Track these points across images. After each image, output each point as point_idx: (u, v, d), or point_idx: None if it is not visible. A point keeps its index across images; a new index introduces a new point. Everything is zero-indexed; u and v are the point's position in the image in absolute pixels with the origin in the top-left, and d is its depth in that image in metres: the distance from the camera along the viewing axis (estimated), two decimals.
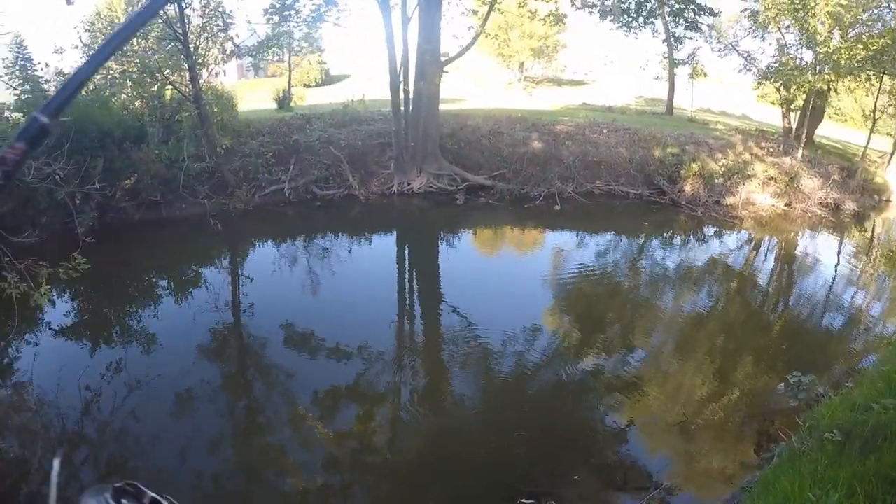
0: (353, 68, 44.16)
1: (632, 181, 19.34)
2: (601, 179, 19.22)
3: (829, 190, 20.39)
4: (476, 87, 35.10)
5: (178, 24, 15.67)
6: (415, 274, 13.90)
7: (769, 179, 19.90)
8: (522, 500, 6.17)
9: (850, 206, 20.65)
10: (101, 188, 10.97)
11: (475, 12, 21.83)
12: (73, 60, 17.94)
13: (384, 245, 15.94)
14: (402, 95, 18.15)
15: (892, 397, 5.30)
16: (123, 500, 0.63)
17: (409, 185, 18.37)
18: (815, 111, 24.86)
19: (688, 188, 18.96)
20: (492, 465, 6.89)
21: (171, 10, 15.71)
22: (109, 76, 17.37)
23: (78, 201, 9.17)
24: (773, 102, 30.20)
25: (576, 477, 6.67)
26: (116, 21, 18.26)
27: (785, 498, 4.08)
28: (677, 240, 16.57)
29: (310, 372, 9.06)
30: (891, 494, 3.77)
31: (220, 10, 17.33)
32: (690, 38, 29.81)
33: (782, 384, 7.28)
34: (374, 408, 8.23)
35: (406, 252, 15.42)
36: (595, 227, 16.68)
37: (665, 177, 19.20)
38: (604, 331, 10.80)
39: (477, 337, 10.15)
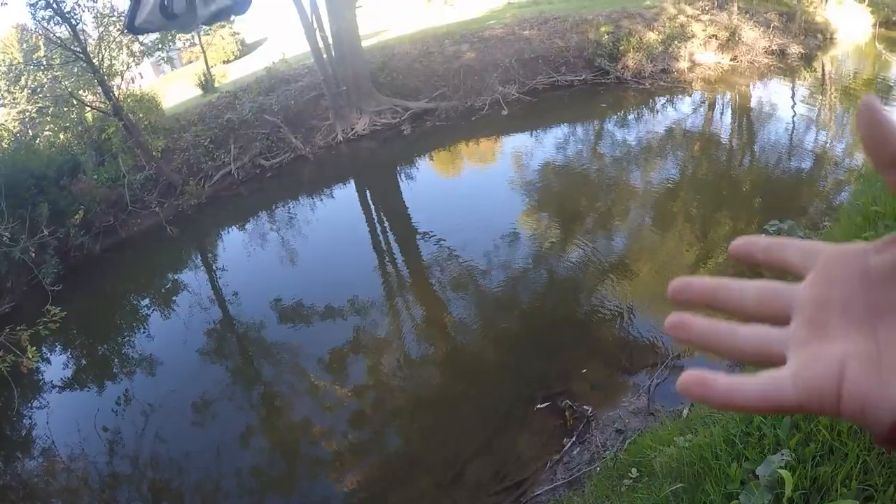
0: (268, 31, 42.76)
1: (573, 69, 18.99)
2: (542, 74, 18.84)
3: (771, 37, 20.14)
4: (395, 14, 34.08)
5: (76, 44, 15.00)
6: (383, 215, 13.72)
7: (710, 38, 19.63)
8: (539, 406, 6.23)
9: (795, 49, 20.38)
10: (53, 232, 10.64)
11: None
12: None
13: (345, 195, 15.74)
14: (321, 42, 17.58)
15: (871, 230, 5.22)
16: None
17: (352, 129, 17.93)
18: None
19: (630, 63, 18.65)
20: (504, 381, 6.96)
21: (63, 31, 15.15)
22: (27, 118, 16.84)
23: (34, 254, 8.84)
24: None
25: (584, 370, 6.71)
26: (15, 62, 17.48)
27: None
28: (631, 116, 16.44)
29: (311, 340, 9.06)
30: None
31: (114, 15, 16.62)
32: None
33: (763, 234, 7.21)
34: (381, 355, 8.30)
35: (368, 196, 15.20)
36: (547, 122, 16.45)
37: (605, 57, 18.84)
38: (581, 221, 10.80)
39: (459, 258, 10.12)
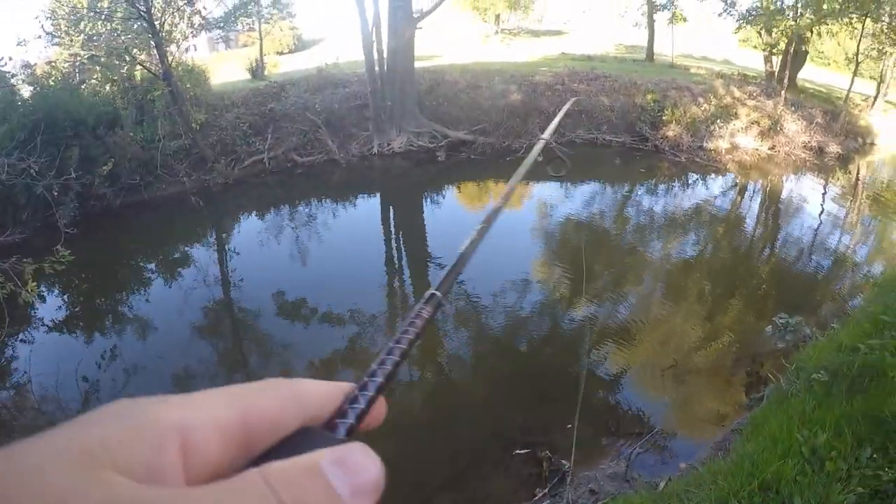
0: (326, 32, 43.37)
1: (614, 129, 19.19)
2: (582, 128, 19.05)
3: (812, 133, 20.31)
4: (452, 43, 34.51)
5: (142, 2, 15.22)
6: (401, 234, 13.85)
7: (752, 123, 19.81)
8: (518, 451, 6.26)
9: (834, 148, 20.55)
10: (79, 177, 10.82)
11: None
12: (37, 51, 17.59)
13: (369, 207, 15.86)
14: (376, 55, 17.88)
15: (878, 338, 5.33)
16: None
17: (388, 145, 18.17)
18: (797, 55, 24.58)
19: (670, 134, 18.85)
20: (488, 419, 6.98)
21: None
22: (77, 63, 17.07)
23: (56, 193, 9.04)
24: (754, 47, 29.98)
25: (569, 426, 6.72)
26: (79, 7, 17.77)
27: (773, 439, 4.14)
28: (662, 186, 16.51)
29: (304, 340, 9.09)
30: (878, 434, 3.84)
31: None
32: None
33: (770, 326, 7.32)
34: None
35: (391, 213, 15.35)
36: (579, 177, 16.52)
37: (647, 123, 19.04)
38: (592, 279, 10.80)
39: (467, 292, 10.16)
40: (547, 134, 1.71)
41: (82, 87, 17.05)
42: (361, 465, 0.39)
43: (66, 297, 11.54)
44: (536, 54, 29.51)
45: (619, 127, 19.15)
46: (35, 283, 7.48)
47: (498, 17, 38.24)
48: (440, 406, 7.57)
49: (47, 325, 10.31)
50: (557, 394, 7.51)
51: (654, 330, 8.94)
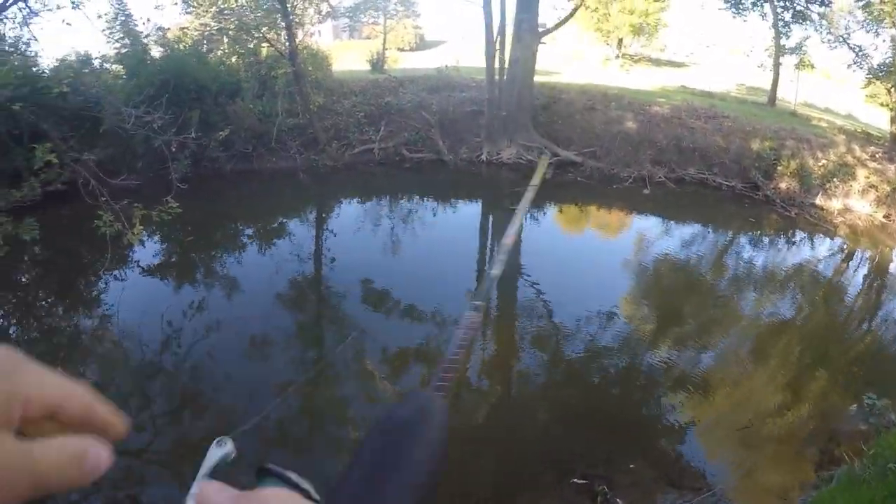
0: (448, 34, 43.97)
1: (725, 172, 18.67)
2: (694, 167, 18.63)
3: None
4: (572, 61, 34.38)
5: None
6: (496, 244, 13.87)
7: (870, 187, 18.85)
8: (575, 480, 6.26)
9: None
10: (197, 138, 11.34)
11: None
12: (173, 15, 18.52)
13: (469, 213, 16.03)
14: (497, 64, 18.05)
15: None
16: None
17: (498, 154, 18.31)
18: None
19: (783, 186, 18.20)
20: (548, 442, 6.97)
21: None
22: (207, 33, 17.85)
23: (173, 149, 9.53)
24: (882, 104, 28.50)
25: (631, 466, 6.71)
26: None
27: None
28: (766, 239, 15.93)
29: (382, 329, 9.26)
30: None
31: None
32: (800, 24, 28.40)
33: (855, 405, 7.01)
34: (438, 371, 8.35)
35: (490, 222, 15.47)
36: (683, 216, 16.26)
37: (761, 171, 18.44)
38: (679, 324, 10.64)
39: (551, 314, 10.21)
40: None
41: (209, 55, 17.80)
42: None
43: (165, 245, 12.20)
44: (655, 84, 29.08)
45: (732, 171, 18.62)
46: (141, 227, 7.86)
47: (621, 41, 37.84)
48: (503, 420, 7.65)
49: (143, 269, 11.01)
50: (623, 431, 7.49)
51: (733, 387, 8.73)
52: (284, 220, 14.11)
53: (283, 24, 16.33)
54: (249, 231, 13.61)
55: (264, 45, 18.10)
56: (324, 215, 15.05)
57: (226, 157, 15.69)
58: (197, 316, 9.39)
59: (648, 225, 15.88)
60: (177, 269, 11.40)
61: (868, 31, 25.49)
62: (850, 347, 10.76)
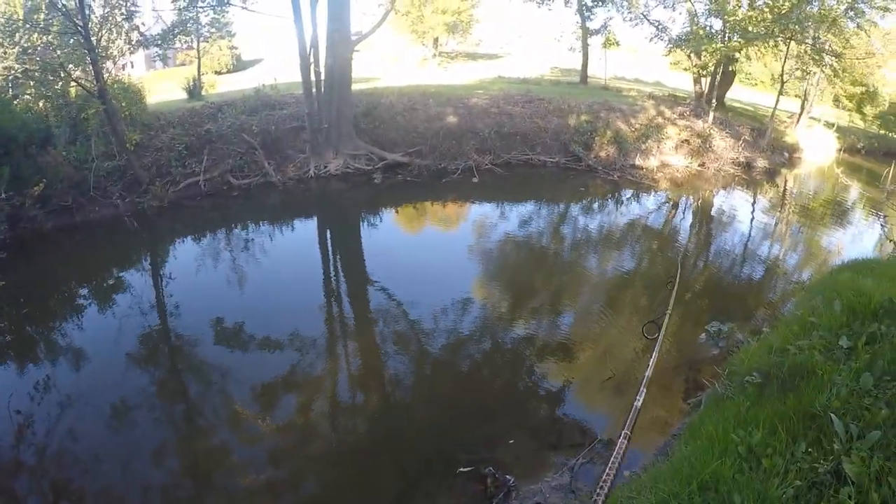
0: (264, 52, 43.24)
1: (548, 150, 19.63)
2: (517, 150, 19.43)
3: (740, 149, 21.26)
4: (391, 65, 34.80)
5: (79, 17, 14.90)
6: (339, 257, 13.83)
7: (682, 142, 20.57)
8: (462, 469, 6.27)
9: (761, 163, 21.62)
10: (9, 198, 10.51)
11: None
12: None
13: (306, 230, 15.80)
14: (313, 77, 17.95)
15: (806, 339, 5.55)
16: None
17: (325, 167, 18.18)
18: (725, 76, 25.74)
19: (603, 154, 19.41)
20: (431, 439, 7.02)
21: (70, 1, 15.15)
22: (10, 76, 16.64)
23: None
24: (685, 69, 31.09)
25: (511, 441, 6.79)
26: (14, 17, 17.33)
27: (711, 440, 4.20)
28: (596, 204, 16.90)
29: (244, 367, 8.96)
30: (811, 429, 3.94)
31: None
32: (602, 7, 30.30)
33: (703, 334, 7.64)
34: (312, 396, 8.19)
35: (328, 236, 15.28)
36: (515, 197, 16.84)
37: (580, 144, 19.55)
38: (531, 297, 10.99)
39: (406, 314, 10.22)
40: None
41: (15, 102, 16.61)
42: None
43: None
44: (473, 77, 30.01)
45: (554, 148, 19.61)
46: None
47: (436, 40, 38.77)
48: (382, 427, 7.46)
49: None
50: (498, 410, 7.60)
51: (591, 344, 9.12)
52: (119, 273, 13.31)
53: (89, 59, 15.43)
54: (84, 291, 12.74)
55: (72, 84, 17.06)
56: (159, 260, 14.32)
57: (44, 214, 14.51)
58: (47, 397, 8.62)
59: (484, 211, 16.32)
60: (14, 349, 10.44)
61: (665, 8, 27.82)
62: (690, 284, 11.49)
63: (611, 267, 12.36)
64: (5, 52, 16.53)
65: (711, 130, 21.35)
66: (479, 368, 8.54)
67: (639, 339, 8.98)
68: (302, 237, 15.25)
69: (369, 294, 11.63)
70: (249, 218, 15.91)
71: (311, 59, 17.81)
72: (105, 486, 6.76)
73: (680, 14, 27.70)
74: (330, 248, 14.42)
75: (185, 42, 32.68)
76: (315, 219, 16.44)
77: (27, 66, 16.00)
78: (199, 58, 31.05)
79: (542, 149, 19.60)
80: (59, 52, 15.87)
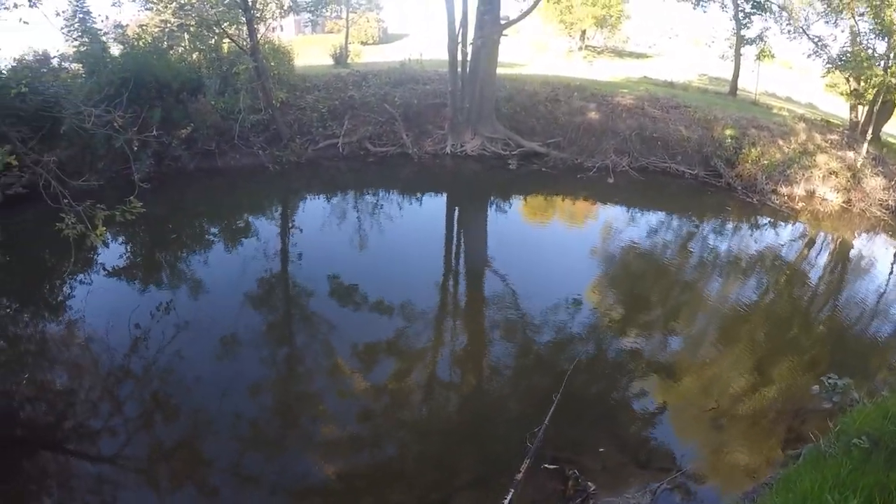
0: (411, 27, 43.89)
1: (688, 160, 18.87)
2: (657, 156, 18.81)
3: (892, 191, 19.61)
4: (536, 54, 34.49)
5: None
6: (463, 236, 13.96)
7: (830, 173, 19.17)
8: (546, 466, 6.36)
9: None
10: (158, 137, 11.18)
11: None
12: (132, 12, 18.27)
13: (434, 205, 16.01)
14: (459, 56, 18.01)
15: None
16: None
17: (462, 146, 18.31)
18: (884, 106, 23.74)
19: (745, 173, 18.43)
20: (519, 430, 6.95)
21: None
22: (167, 29, 17.58)
23: (135, 148, 9.39)
24: (841, 93, 28.96)
25: (601, 449, 6.80)
26: None
27: (804, 498, 4.18)
28: (729, 225, 16.12)
29: (351, 325, 9.25)
30: None
31: None
32: (760, 15, 28.75)
33: (817, 385, 7.16)
34: (411, 365, 8.44)
35: (455, 214, 15.52)
36: (647, 204, 16.39)
37: (723, 159, 18.67)
38: (646, 310, 10.73)
39: (518, 304, 10.28)
40: None
41: (170, 52, 17.57)
42: None
43: (129, 246, 12.01)
44: (618, 75, 29.30)
45: (694, 159, 18.82)
46: (104, 229, 7.69)
47: (584, 33, 38.04)
48: (474, 409, 7.68)
49: (108, 271, 10.81)
50: (592, 415, 7.60)
51: (699, 370, 8.84)
52: (249, 218, 13.96)
53: (244, 19, 16.13)
54: (215, 229, 13.45)
55: (225, 40, 17.91)
56: (289, 211, 14.95)
57: (189, 156, 15.52)
58: (165, 318, 9.25)
59: (614, 214, 16.01)
60: (143, 271, 11.22)
61: (827, 23, 25.93)
62: (813, 329, 10.95)
63: (733, 294, 11.86)
64: (164, 6, 17.47)
65: (863, 165, 19.75)
66: (579, 370, 8.43)
67: (749, 376, 8.61)
68: (429, 211, 15.47)
69: (486, 278, 11.78)
70: (382, 185, 16.26)
71: (459, 39, 17.80)
72: (199, 408, 7.32)
73: (842, 31, 25.70)
74: (455, 226, 14.64)
75: (335, 11, 33.52)
76: (445, 195, 16.65)
77: (183, 21, 16.85)
78: (347, 27, 31.89)
79: (682, 158, 18.88)
80: (214, 10, 16.62)
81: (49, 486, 6.27)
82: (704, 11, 29.91)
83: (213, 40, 18.17)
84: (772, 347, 9.65)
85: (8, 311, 10.08)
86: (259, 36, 17.17)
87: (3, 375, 8.07)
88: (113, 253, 11.54)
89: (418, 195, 15.82)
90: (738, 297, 11.67)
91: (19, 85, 10.24)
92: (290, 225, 14.03)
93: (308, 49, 28.56)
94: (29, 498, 6.05)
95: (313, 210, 14.98)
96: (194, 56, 18.40)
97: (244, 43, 16.83)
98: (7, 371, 8.13)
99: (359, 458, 6.61)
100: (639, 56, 39.53)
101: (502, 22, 19.09)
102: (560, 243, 14.03)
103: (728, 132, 19.38)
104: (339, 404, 7.46)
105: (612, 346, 9.31)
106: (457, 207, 15.75)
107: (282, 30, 33.92)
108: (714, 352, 9.39)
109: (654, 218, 15.82)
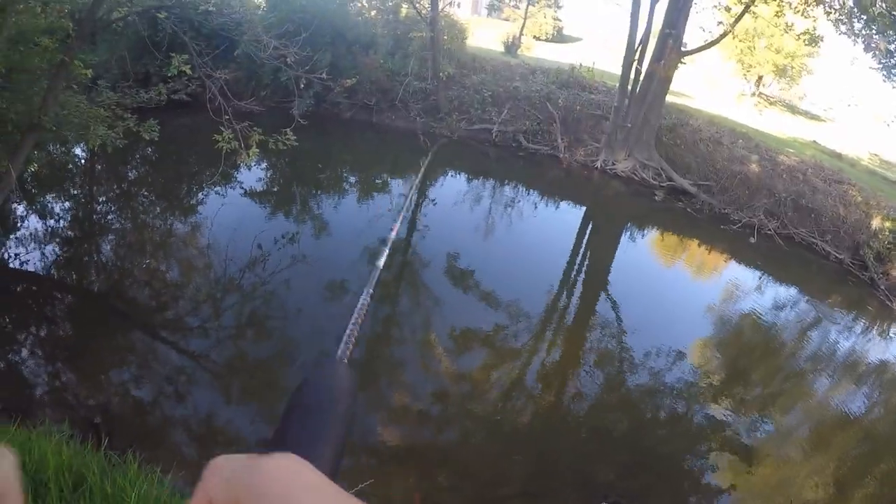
0: (586, 32, 43.35)
1: (837, 242, 17.73)
2: (807, 228, 17.82)
3: None
4: (706, 89, 33.38)
5: None
6: (589, 253, 13.78)
7: None
8: (604, 502, 6.32)
9: None
10: (325, 80, 11.66)
11: (728, 9, 20.35)
12: None
13: (570, 215, 16.00)
14: (632, 74, 17.67)
15: None
16: None
17: (613, 164, 18.10)
18: None
19: (895, 273, 17.14)
20: (586, 462, 7.02)
21: None
22: None
23: (301, 86, 9.82)
24: None
25: None
26: None
27: None
28: (860, 325, 15.00)
29: (456, 306, 9.43)
30: None
31: None
32: None
33: None
34: (499, 362, 8.59)
35: (588, 229, 15.36)
36: (781, 276, 15.55)
37: (874, 251, 17.41)
38: (745, 386, 10.35)
39: (622, 336, 10.24)
40: None
41: (350, 4, 18.16)
42: None
43: (270, 174, 12.58)
44: (787, 132, 27.97)
45: (844, 243, 17.68)
46: (257, 150, 8.09)
47: (760, 79, 36.40)
48: (546, 425, 7.69)
49: (245, 191, 11.41)
50: (660, 475, 7.41)
51: (779, 466, 8.46)
52: (388, 178, 14.34)
53: None
54: (353, 179, 13.92)
55: (405, 5, 18.32)
56: (428, 182, 15.21)
57: (347, 105, 16.11)
58: (284, 246, 9.76)
59: (744, 276, 15.31)
60: (276, 200, 11.79)
61: None
62: None
63: (838, 399, 11.05)
64: None
65: None
66: (660, 424, 8.39)
67: (826, 489, 8.16)
68: (563, 218, 15.48)
69: (598, 300, 11.72)
70: (524, 181, 16.35)
71: (636, 56, 17.46)
72: (289, 338, 7.75)
73: None
74: (584, 242, 14.45)
75: (514, 1, 33.54)
76: (583, 209, 16.52)
77: None
78: (523, 18, 31.90)
79: (832, 238, 17.74)
80: None
81: (130, 360, 6.91)
82: (894, 87, 28.06)
83: (393, 2, 18.68)
84: (862, 468, 9.09)
85: (145, 201, 10.89)
86: (440, 7, 17.47)
87: (127, 255, 8.82)
88: (254, 175, 12.21)
89: (557, 199, 15.80)
90: (844, 403, 10.96)
91: (208, 3, 10.88)
92: (426, 195, 14.28)
93: (479, 30, 28.85)
94: (110, 365, 6.71)
95: (451, 186, 15.23)
96: (372, 14, 19.01)
97: (423, 11, 17.17)
98: (131, 252, 8.84)
99: (419, 433, 6.86)
100: (812, 117, 37.55)
101: (683, 49, 18.55)
102: (681, 288, 13.72)
103: (888, 224, 18.13)
104: (419, 376, 7.71)
105: (700, 409, 9.09)
106: (591, 222, 15.59)
107: (458, 6, 34.35)
108: (800, 452, 8.91)
109: (783, 292, 15.02)
